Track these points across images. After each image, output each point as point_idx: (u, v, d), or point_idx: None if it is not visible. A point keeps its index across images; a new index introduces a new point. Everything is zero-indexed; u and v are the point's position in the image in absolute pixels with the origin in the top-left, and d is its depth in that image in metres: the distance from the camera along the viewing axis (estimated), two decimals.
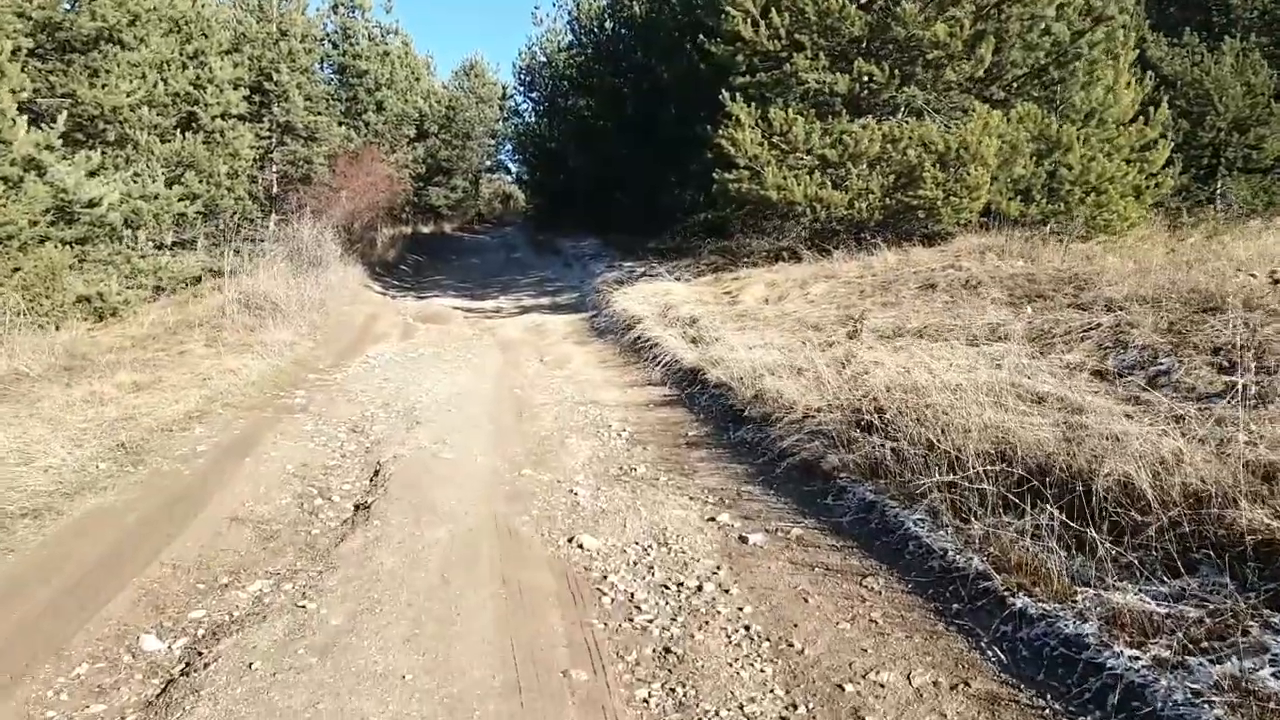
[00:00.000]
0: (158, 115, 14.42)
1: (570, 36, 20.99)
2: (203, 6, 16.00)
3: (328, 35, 22.87)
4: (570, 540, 3.78)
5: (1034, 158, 9.75)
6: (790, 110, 9.37)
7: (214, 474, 4.81)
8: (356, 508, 4.33)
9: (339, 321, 11.48)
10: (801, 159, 9.74)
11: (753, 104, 9.61)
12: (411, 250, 22.14)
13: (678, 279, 10.70)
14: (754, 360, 6.18)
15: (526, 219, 29.91)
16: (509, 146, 30.33)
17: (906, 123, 9.48)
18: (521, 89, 24.49)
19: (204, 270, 13.98)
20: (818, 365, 5.28)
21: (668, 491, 4.38)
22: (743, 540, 3.68)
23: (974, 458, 3.37)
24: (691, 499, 4.26)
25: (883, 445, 3.85)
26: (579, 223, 20.15)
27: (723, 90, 9.63)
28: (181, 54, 15.31)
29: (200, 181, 14.90)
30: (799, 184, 9.29)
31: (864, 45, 9.72)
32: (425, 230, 27.84)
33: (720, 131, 9.59)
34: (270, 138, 19.02)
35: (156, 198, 13.57)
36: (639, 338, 8.64)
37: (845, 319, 7.51)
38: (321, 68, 22.00)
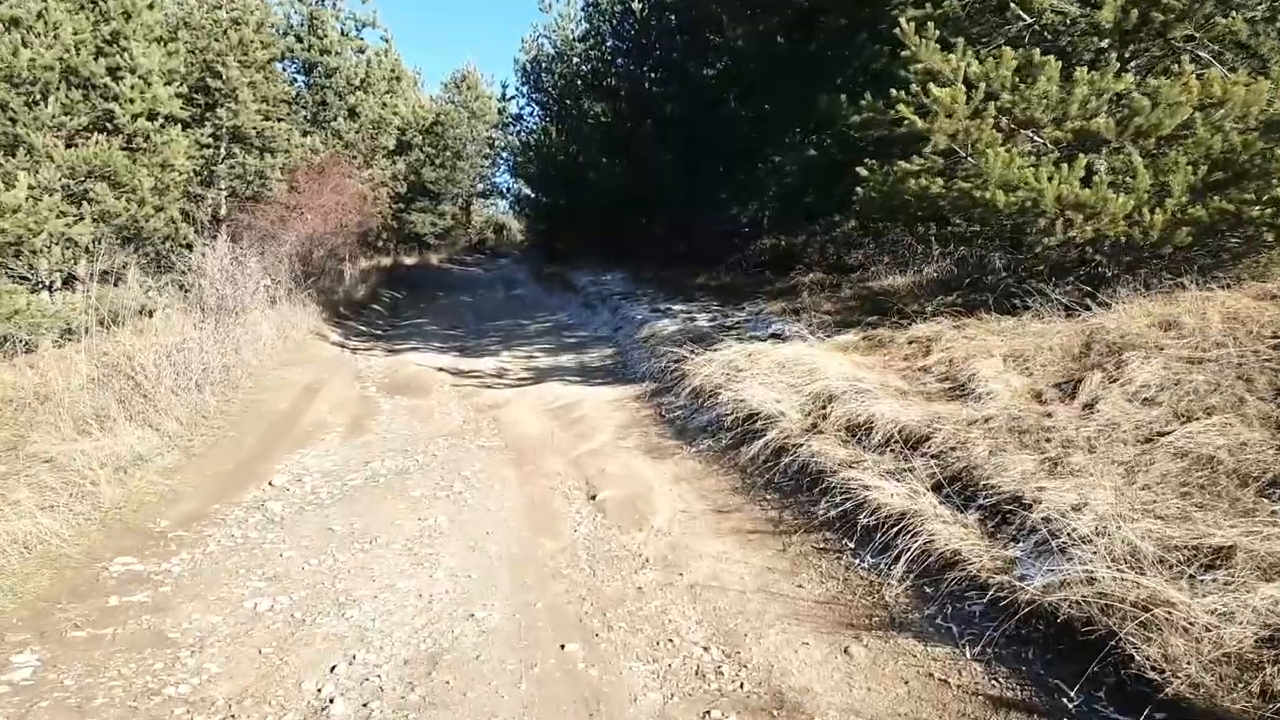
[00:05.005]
0: (63, 113, 10.50)
1: (586, 24, 17.03)
2: None
3: (291, 27, 18.93)
4: None
5: None
6: (1030, 53, 5.28)
7: None
8: None
9: (251, 401, 7.20)
10: (1032, 138, 5.65)
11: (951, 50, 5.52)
12: (388, 285, 18.02)
13: (801, 337, 6.52)
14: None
15: (527, 249, 25.82)
16: (506, 164, 26.21)
17: (1214, 71, 5.38)
18: (524, 90, 20.39)
19: (123, 310, 9.81)
20: None
21: None
22: None
23: None
24: None
25: None
26: (594, 252, 16.14)
27: (901, 21, 5.52)
28: (94, 35, 11.43)
29: (118, 197, 10.93)
30: (1046, 179, 5.17)
31: None
32: (409, 262, 23.81)
33: (899, 93, 5.48)
34: (215, 147, 15.01)
35: (16, 212, 9.39)
36: (803, 468, 4.42)
37: None
38: (282, 65, 18.06)
